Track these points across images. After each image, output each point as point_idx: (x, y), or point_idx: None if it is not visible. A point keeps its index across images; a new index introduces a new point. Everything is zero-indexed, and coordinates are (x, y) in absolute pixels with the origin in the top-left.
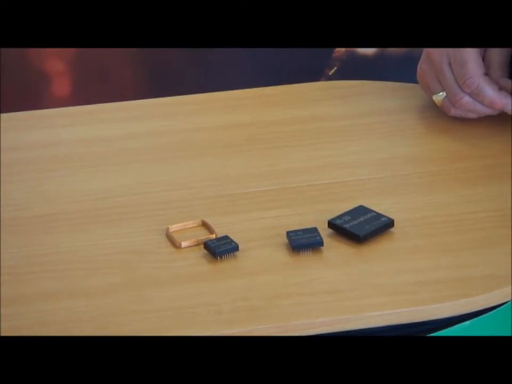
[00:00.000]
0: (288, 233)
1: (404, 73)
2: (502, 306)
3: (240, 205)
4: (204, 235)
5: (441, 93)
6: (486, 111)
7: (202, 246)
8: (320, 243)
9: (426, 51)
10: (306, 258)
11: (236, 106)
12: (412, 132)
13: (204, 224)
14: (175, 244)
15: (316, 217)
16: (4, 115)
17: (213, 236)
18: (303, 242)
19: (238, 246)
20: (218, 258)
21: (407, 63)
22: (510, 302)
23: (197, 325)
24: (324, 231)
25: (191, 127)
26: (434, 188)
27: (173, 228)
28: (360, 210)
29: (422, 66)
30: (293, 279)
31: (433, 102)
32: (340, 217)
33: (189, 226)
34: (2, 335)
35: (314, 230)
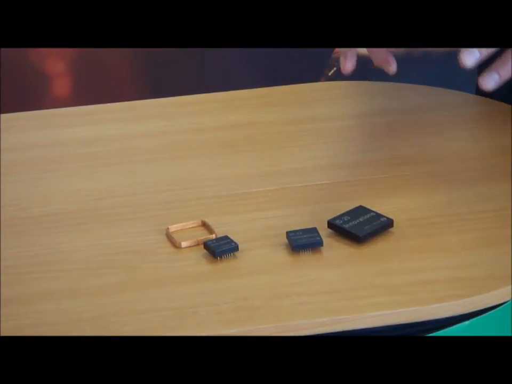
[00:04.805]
0: (288, 233)
1: (404, 73)
2: (502, 306)
3: (240, 205)
4: (204, 235)
5: None
6: None
7: (202, 246)
8: (320, 243)
9: None
10: (306, 258)
11: (235, 106)
12: (411, 132)
13: (204, 224)
14: (175, 244)
15: (315, 217)
16: (3, 115)
17: (213, 236)
18: (303, 242)
19: (238, 246)
20: (218, 258)
21: (407, 63)
22: (510, 302)
23: (197, 325)
24: (324, 231)
25: (191, 127)
26: (434, 188)
27: (173, 228)
28: (360, 211)
29: None
30: (292, 279)
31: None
32: (339, 217)
33: (189, 226)
34: (2, 335)
35: (314, 230)
